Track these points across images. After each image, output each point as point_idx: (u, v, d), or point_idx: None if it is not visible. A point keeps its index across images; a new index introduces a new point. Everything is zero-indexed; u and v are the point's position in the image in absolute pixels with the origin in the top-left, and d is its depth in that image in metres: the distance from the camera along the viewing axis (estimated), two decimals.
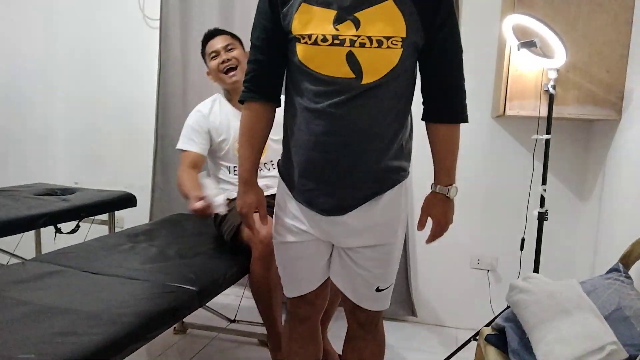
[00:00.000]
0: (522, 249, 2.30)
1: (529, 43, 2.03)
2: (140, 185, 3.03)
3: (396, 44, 1.18)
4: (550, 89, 2.08)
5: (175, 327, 2.46)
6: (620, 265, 1.70)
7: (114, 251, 1.91)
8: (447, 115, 1.33)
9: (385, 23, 1.17)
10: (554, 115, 2.11)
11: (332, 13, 1.19)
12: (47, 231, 2.32)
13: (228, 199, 2.02)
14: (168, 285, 1.57)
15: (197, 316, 2.21)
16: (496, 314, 2.19)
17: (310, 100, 1.25)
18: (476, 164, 2.58)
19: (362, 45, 1.18)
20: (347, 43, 1.18)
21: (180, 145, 2.15)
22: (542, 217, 2.13)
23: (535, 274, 1.92)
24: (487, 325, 1.89)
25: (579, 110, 2.17)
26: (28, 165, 3.11)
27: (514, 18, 2.10)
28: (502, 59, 2.31)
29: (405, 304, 2.69)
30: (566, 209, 2.50)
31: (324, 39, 1.19)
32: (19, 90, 3.04)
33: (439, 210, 1.39)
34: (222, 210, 1.84)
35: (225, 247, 2.02)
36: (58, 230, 2.30)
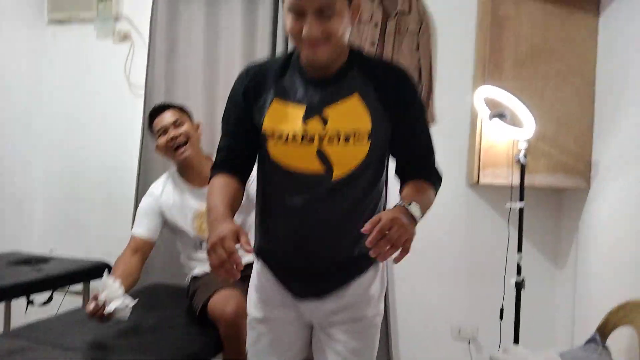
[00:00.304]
0: (501, 317, 2.29)
1: (499, 114, 2.12)
2: (118, 253, 2.98)
3: (363, 138, 1.21)
4: (522, 158, 2.14)
5: None
6: (598, 335, 1.70)
7: (88, 325, 1.86)
8: (421, 176, 1.32)
9: (351, 118, 1.21)
10: (526, 183, 2.17)
11: (301, 110, 1.23)
12: (18, 303, 2.25)
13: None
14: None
15: None
16: None
17: (282, 193, 1.27)
18: (453, 231, 2.61)
19: (330, 141, 1.21)
20: (316, 141, 1.21)
21: (132, 230, 2.13)
22: (519, 286, 2.14)
23: (515, 345, 1.91)
24: None
25: (549, 179, 2.23)
26: (4, 231, 3.05)
27: (485, 90, 2.19)
28: (474, 128, 2.40)
29: None
30: (543, 276, 2.52)
31: (294, 138, 1.22)
32: None
33: (390, 213, 1.10)
34: (122, 315, 1.69)
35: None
36: (30, 302, 2.24)
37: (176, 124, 2.10)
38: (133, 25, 3.10)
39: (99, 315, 1.66)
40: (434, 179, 1.33)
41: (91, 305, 1.66)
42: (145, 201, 2.15)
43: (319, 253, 1.27)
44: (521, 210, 2.15)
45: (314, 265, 1.28)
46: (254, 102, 1.28)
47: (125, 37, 3.11)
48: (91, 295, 1.73)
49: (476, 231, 2.60)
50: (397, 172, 1.34)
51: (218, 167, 1.35)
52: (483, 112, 2.23)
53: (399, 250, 1.06)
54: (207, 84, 2.85)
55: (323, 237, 1.26)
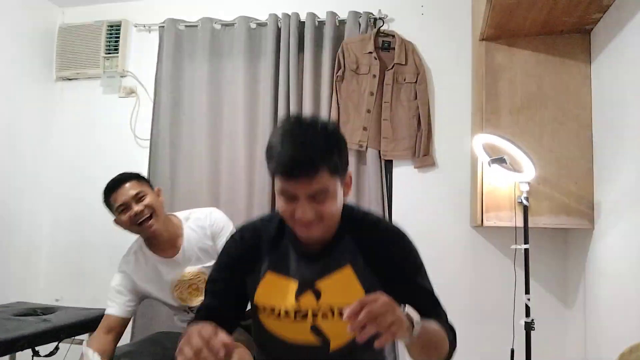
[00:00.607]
0: (512, 359, 2.26)
1: (499, 160, 2.17)
2: None
3: None
4: (524, 201, 2.18)
5: None
6: None
7: None
8: (442, 324, 1.19)
9: (344, 292, 1.19)
10: (530, 225, 2.19)
11: (294, 284, 1.21)
12: (24, 354, 2.23)
13: None
14: None
15: None
16: None
17: (278, 356, 1.26)
18: (459, 273, 2.62)
19: (325, 317, 1.19)
20: (310, 316, 1.20)
21: (108, 310, 2.03)
22: (529, 327, 2.13)
23: None
24: None
25: (553, 220, 2.26)
26: (10, 282, 3.04)
27: (483, 137, 2.25)
28: (475, 172, 2.45)
29: None
30: (553, 316, 2.51)
31: (287, 314, 1.20)
32: (6, 206, 3.06)
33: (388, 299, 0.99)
34: None
35: None
36: (35, 354, 2.21)
37: (138, 198, 1.92)
38: (138, 80, 3.22)
39: None
40: (447, 327, 1.23)
41: None
42: (117, 279, 2.04)
43: None
44: (526, 251, 2.17)
45: None
46: (248, 272, 1.26)
47: (130, 91, 3.22)
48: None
49: (483, 272, 2.61)
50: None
51: (198, 319, 1.24)
52: (483, 158, 2.28)
53: (383, 331, 0.93)
54: (211, 134, 2.93)
55: None
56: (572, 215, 2.25)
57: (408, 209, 2.73)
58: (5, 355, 2.09)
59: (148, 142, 3.04)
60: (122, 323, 2.01)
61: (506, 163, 2.15)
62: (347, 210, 1.25)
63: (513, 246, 2.23)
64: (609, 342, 2.05)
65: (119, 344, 2.30)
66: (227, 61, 2.97)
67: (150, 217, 1.92)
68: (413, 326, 1.02)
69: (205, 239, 2.03)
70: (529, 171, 2.14)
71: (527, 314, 2.14)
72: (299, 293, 1.20)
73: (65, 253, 3.23)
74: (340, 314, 1.14)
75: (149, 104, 3.11)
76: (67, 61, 3.29)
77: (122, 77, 3.24)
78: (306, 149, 1.06)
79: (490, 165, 2.20)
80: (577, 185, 2.26)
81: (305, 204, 1.09)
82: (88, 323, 2.41)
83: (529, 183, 2.18)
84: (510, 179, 2.26)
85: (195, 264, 2.04)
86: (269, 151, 1.11)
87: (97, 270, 3.14)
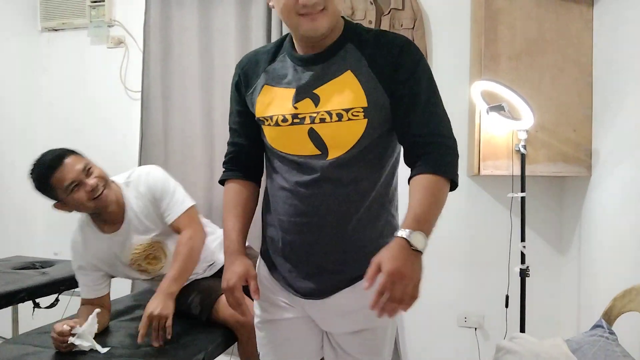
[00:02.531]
0: (507, 305, 2.31)
1: (497, 107, 2.13)
2: None
3: (358, 115, 1.13)
4: (521, 149, 2.16)
5: None
6: (603, 321, 1.71)
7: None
8: (429, 167, 1.13)
9: (344, 95, 1.14)
10: (527, 173, 2.18)
11: (291, 92, 1.18)
12: (25, 306, 2.26)
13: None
14: None
15: None
16: None
17: (282, 179, 1.23)
18: (456, 222, 2.63)
19: (322, 120, 1.14)
20: (307, 120, 1.16)
21: (190, 201, 1.94)
22: (524, 274, 2.16)
23: (521, 333, 1.92)
24: None
25: (550, 168, 2.25)
26: (7, 237, 3.05)
27: (482, 84, 2.21)
28: (473, 121, 2.41)
29: None
30: (547, 264, 2.54)
31: (284, 119, 1.18)
32: (0, 162, 3.03)
33: (388, 255, 1.00)
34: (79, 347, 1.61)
35: None
36: (37, 305, 2.24)
37: (87, 170, 1.77)
38: (126, 29, 3.12)
39: (62, 340, 1.59)
40: (445, 167, 1.15)
41: (63, 328, 1.59)
42: (76, 263, 1.89)
43: (321, 243, 1.19)
44: (523, 200, 2.17)
45: (316, 257, 1.21)
46: (246, 91, 1.27)
47: (119, 42, 3.13)
48: (65, 323, 1.63)
49: (479, 221, 2.62)
50: (405, 159, 1.20)
51: (229, 168, 1.36)
52: (481, 105, 2.24)
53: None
54: (203, 84, 2.86)
55: (324, 225, 1.18)
56: (569, 163, 2.24)
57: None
58: (7, 306, 2.13)
59: (139, 94, 2.97)
60: (103, 300, 1.89)
61: (504, 110, 2.12)
62: (353, 23, 1.22)
63: (510, 194, 2.23)
64: (603, 287, 2.08)
65: (119, 297, 2.33)
66: (217, 7, 2.86)
67: (104, 189, 1.77)
68: (421, 254, 1.03)
69: (149, 206, 1.89)
70: (527, 119, 2.11)
71: (523, 261, 2.16)
72: (296, 100, 1.16)
73: None
74: (339, 117, 1.13)
75: (138, 54, 3.02)
76: (51, 11, 3.18)
77: (109, 26, 3.14)
78: None
79: (488, 113, 2.17)
80: (576, 132, 2.24)
81: None
82: None
83: (527, 131, 2.16)
84: (508, 127, 2.23)
85: (145, 234, 1.90)
86: None
87: None
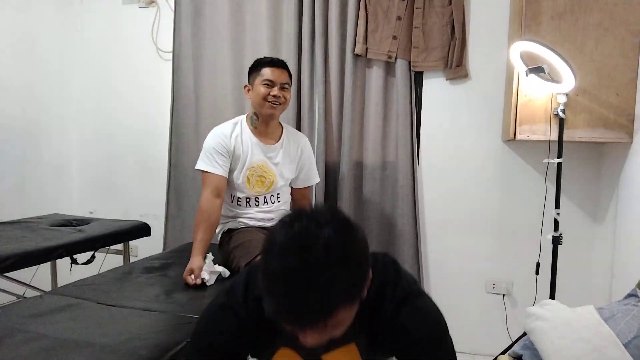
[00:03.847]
0: (537, 273, 2.29)
1: (537, 69, 2.05)
2: (154, 214, 3.07)
3: None
4: (560, 113, 2.09)
5: None
6: (638, 290, 1.68)
7: (130, 282, 1.93)
8: None
9: None
10: (564, 138, 2.11)
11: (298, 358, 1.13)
12: (63, 262, 2.34)
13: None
14: (184, 316, 1.58)
15: None
16: (513, 340, 2.17)
17: None
18: (488, 187, 2.59)
19: None
20: None
21: (203, 166, 2.11)
22: (556, 241, 2.12)
23: (551, 300, 1.90)
24: (503, 353, 1.87)
25: (589, 134, 2.17)
26: (44, 196, 3.15)
27: (522, 45, 2.12)
28: (511, 84, 2.33)
29: None
30: (581, 232, 2.49)
31: None
32: (35, 122, 3.10)
33: None
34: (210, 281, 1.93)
35: None
36: (74, 261, 2.32)
37: (283, 85, 2.13)
38: None
39: (195, 284, 1.88)
40: None
41: (190, 279, 1.89)
42: (216, 139, 2.13)
43: None
44: (559, 166, 2.11)
45: None
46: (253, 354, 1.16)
47: (150, 1, 3.10)
48: (189, 269, 1.93)
49: (512, 187, 2.57)
50: None
51: None
52: (519, 67, 2.16)
53: None
54: (234, 45, 2.84)
55: None
56: (610, 128, 2.15)
57: (438, 124, 2.66)
58: (46, 262, 2.20)
59: (170, 54, 2.97)
60: (224, 183, 2.13)
61: (544, 73, 2.03)
62: (365, 305, 1.00)
63: (545, 160, 2.17)
64: (637, 258, 2.03)
65: (152, 254, 2.40)
66: None
67: (279, 105, 2.14)
68: None
69: (296, 149, 2.28)
70: (568, 81, 2.03)
71: (556, 229, 2.12)
72: None
73: (95, 167, 3.31)
74: None
75: (169, 14, 3.01)
76: None
77: None
78: (317, 295, 0.85)
79: (527, 75, 2.09)
80: (619, 96, 2.14)
81: (317, 334, 0.91)
82: (122, 233, 2.51)
83: (567, 94, 2.08)
84: (547, 90, 2.15)
85: (282, 159, 2.22)
86: (276, 312, 0.89)
87: (128, 184, 3.23)
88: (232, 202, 2.21)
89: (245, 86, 2.20)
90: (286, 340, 1.08)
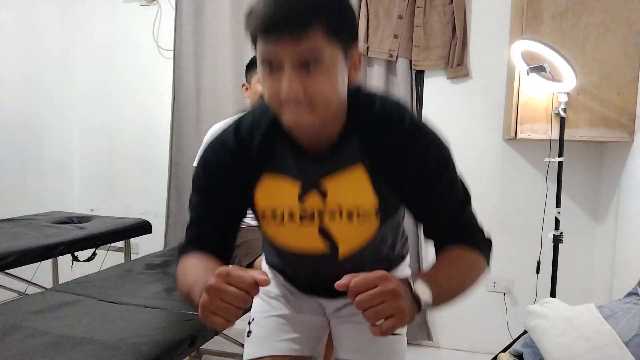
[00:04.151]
0: (538, 271, 2.29)
1: (538, 68, 2.06)
2: (155, 211, 3.07)
3: (369, 215, 1.01)
4: (561, 112, 2.09)
5: (190, 354, 2.45)
6: (638, 288, 1.68)
7: (131, 280, 1.94)
8: (457, 240, 1.02)
9: (354, 193, 1.00)
10: (565, 137, 2.12)
11: (296, 185, 1.02)
12: (64, 259, 2.35)
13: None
14: (185, 313, 1.58)
15: (212, 342, 2.20)
16: (513, 338, 2.17)
17: (283, 262, 1.20)
18: (489, 186, 2.59)
19: (332, 217, 1.02)
20: (316, 218, 1.02)
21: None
22: (557, 240, 2.13)
23: (552, 298, 1.91)
24: (504, 351, 1.87)
25: (590, 133, 2.17)
26: (45, 193, 3.16)
27: (523, 44, 2.12)
28: (512, 83, 2.34)
29: (421, 327, 2.67)
30: (581, 231, 2.49)
31: (292, 217, 1.03)
32: (37, 118, 3.11)
33: (392, 279, 0.83)
34: None
35: None
36: (75, 258, 2.33)
37: None
38: None
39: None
40: (477, 242, 1.04)
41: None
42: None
43: (331, 290, 0.91)
44: (560, 164, 2.11)
45: (326, 291, 1.18)
46: (239, 178, 1.03)
47: None
48: None
49: (513, 186, 2.57)
50: (426, 235, 1.08)
51: (189, 245, 1.07)
52: (521, 66, 2.16)
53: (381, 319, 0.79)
54: (235, 43, 2.84)
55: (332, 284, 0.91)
56: (611, 127, 2.15)
57: (438, 123, 2.64)
58: (48, 259, 2.21)
59: (171, 52, 2.97)
60: None
61: (546, 72, 2.04)
62: (355, 99, 0.98)
63: (547, 159, 2.17)
64: (638, 257, 2.03)
65: (153, 251, 2.40)
66: None
67: None
68: (420, 308, 0.84)
69: None
70: (569, 80, 2.03)
71: (557, 227, 2.12)
72: (302, 193, 1.01)
73: (96, 165, 3.31)
74: (349, 215, 1.01)
75: (171, 12, 3.01)
76: None
77: None
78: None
79: (528, 74, 2.09)
80: (620, 96, 2.14)
81: (291, 74, 0.83)
82: (123, 231, 2.52)
83: (568, 93, 2.08)
84: (548, 89, 2.15)
85: None
86: (249, 15, 0.86)
87: (129, 181, 3.23)
88: None
89: (243, 85, 2.19)
90: (280, 167, 1.02)
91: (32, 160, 3.08)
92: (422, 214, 1.05)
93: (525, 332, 1.70)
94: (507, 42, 2.50)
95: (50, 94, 3.18)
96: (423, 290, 0.85)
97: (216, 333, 1.62)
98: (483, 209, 2.62)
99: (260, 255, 1.84)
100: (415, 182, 0.99)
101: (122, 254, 2.60)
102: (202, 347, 2.42)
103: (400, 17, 2.57)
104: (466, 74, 2.58)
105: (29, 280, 2.39)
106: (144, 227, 2.62)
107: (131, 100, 3.19)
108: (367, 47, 2.60)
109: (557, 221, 2.12)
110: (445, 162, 1.01)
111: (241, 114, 1.07)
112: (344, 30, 0.87)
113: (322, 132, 0.95)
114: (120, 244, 2.57)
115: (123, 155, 3.23)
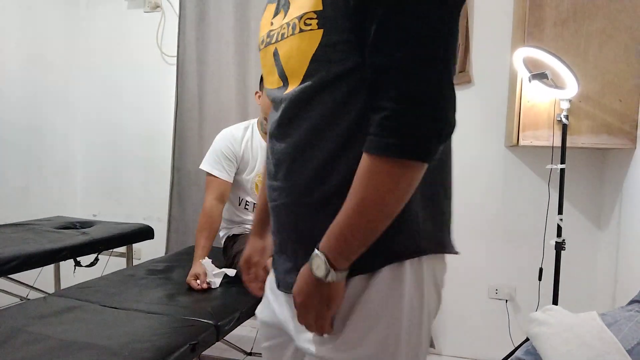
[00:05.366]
0: (540, 279, 2.28)
1: (540, 75, 2.06)
2: (157, 217, 3.08)
3: (310, 23, 0.78)
4: (563, 119, 2.09)
5: None
6: None
7: (133, 285, 1.94)
8: (369, 141, 0.73)
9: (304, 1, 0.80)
10: (568, 144, 2.12)
11: (272, 6, 0.92)
12: (66, 264, 2.35)
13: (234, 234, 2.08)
14: (187, 319, 1.58)
15: (214, 348, 2.20)
16: (515, 345, 2.17)
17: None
18: (491, 193, 2.59)
19: (283, 36, 0.84)
20: (274, 39, 0.87)
21: (209, 168, 2.10)
22: (559, 247, 2.12)
23: (554, 306, 1.90)
24: (506, 358, 1.87)
25: (593, 140, 2.17)
26: (48, 198, 3.17)
27: (525, 51, 2.13)
28: (514, 90, 2.34)
29: None
30: (584, 238, 2.48)
31: (262, 42, 0.91)
32: (40, 125, 3.12)
33: (296, 288, 0.82)
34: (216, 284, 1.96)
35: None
36: (77, 264, 2.33)
37: None
38: None
39: (202, 288, 1.90)
40: (393, 139, 0.70)
41: (194, 283, 1.90)
42: (225, 142, 2.12)
43: (282, 196, 0.86)
44: (562, 171, 2.11)
45: (277, 234, 0.94)
46: None
47: (155, 5, 3.13)
48: (194, 274, 1.94)
49: (515, 192, 2.57)
50: None
51: None
52: (523, 73, 2.17)
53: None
54: (238, 50, 2.85)
55: (284, 175, 0.85)
56: (613, 134, 2.15)
57: None
58: (50, 264, 2.21)
59: (175, 59, 2.99)
60: (228, 188, 2.12)
61: (548, 79, 2.04)
62: None
63: (549, 166, 2.17)
64: None
65: (155, 257, 2.40)
66: None
67: None
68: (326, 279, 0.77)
69: None
70: (571, 87, 2.04)
71: (559, 234, 2.12)
72: (275, 13, 0.89)
73: (99, 170, 3.32)
74: (292, 26, 0.81)
75: (174, 19, 3.03)
76: None
77: None
78: None
79: (530, 81, 2.09)
80: (622, 103, 2.14)
81: None
82: (125, 236, 2.52)
83: (570, 100, 2.08)
84: (550, 96, 2.16)
85: None
86: None
87: (131, 187, 3.24)
88: (239, 205, 2.21)
89: (257, 92, 2.20)
90: None
91: (35, 165, 3.09)
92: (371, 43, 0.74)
93: (527, 339, 1.70)
94: (509, 49, 2.50)
95: (53, 101, 3.19)
96: (317, 264, 0.76)
97: (218, 339, 1.62)
98: (485, 216, 2.65)
99: None
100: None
101: (124, 260, 2.61)
102: (203, 352, 2.42)
103: None
104: (468, 81, 2.59)
105: (31, 285, 2.40)
106: (146, 233, 2.62)
107: (134, 106, 3.21)
108: None
109: (559, 228, 2.12)
110: None
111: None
112: None
113: None
114: (122, 249, 2.57)
115: (126, 161, 3.25)
